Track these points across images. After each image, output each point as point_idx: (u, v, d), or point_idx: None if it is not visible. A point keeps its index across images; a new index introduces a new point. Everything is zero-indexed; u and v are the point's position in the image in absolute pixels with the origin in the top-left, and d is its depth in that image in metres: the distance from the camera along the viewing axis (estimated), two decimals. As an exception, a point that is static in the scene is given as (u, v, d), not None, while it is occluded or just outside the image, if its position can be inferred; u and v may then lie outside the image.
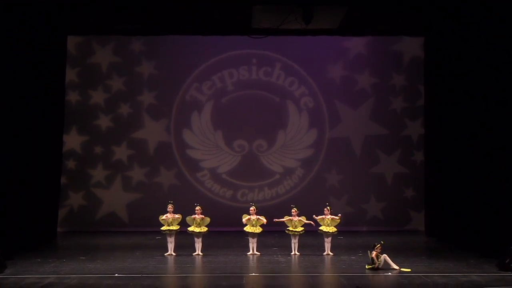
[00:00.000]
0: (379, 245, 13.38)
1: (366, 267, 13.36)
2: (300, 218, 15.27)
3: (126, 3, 16.45)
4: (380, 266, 13.25)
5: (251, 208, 15.43)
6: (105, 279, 12.27)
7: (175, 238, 15.28)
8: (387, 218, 20.36)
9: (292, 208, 15.41)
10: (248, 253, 15.28)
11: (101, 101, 20.39)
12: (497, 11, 14.50)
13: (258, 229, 15.29)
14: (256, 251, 15.31)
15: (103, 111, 20.38)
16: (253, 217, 15.33)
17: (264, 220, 15.30)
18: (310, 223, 15.32)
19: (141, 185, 20.35)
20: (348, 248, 16.18)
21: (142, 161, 20.39)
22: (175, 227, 15.24)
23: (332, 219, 15.25)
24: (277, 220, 15.38)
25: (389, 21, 18.08)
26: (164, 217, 15.27)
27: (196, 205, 15.37)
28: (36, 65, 16.36)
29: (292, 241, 15.36)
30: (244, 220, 15.33)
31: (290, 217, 15.27)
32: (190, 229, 15.29)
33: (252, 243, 15.34)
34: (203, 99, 20.58)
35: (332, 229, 15.24)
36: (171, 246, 15.25)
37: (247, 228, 15.33)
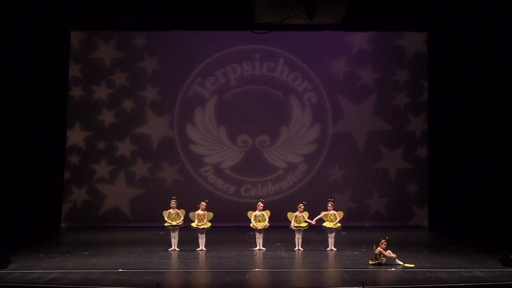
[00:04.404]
0: (384, 241, 13.38)
1: (370, 262, 13.36)
2: (303, 214, 15.31)
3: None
4: (383, 262, 13.26)
5: (260, 204, 15.45)
6: (109, 274, 12.26)
7: (178, 234, 15.28)
8: (390, 213, 20.35)
9: (303, 204, 15.38)
10: (255, 248, 15.28)
11: (104, 96, 20.40)
12: (501, 6, 14.46)
13: (264, 225, 15.32)
14: (262, 246, 15.34)
15: (106, 107, 20.38)
16: (259, 213, 15.36)
17: (267, 218, 15.33)
18: (311, 222, 15.31)
19: (145, 180, 20.36)
20: (351, 243, 16.16)
21: (146, 157, 20.40)
22: (177, 222, 15.22)
23: (335, 214, 15.26)
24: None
25: (392, 16, 18.07)
26: (166, 215, 15.28)
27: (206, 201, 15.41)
28: (40, 60, 16.35)
29: (296, 237, 15.37)
30: (251, 218, 15.36)
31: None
32: (193, 224, 15.29)
33: (259, 238, 15.36)
34: (206, 95, 20.57)
35: (335, 224, 15.24)
36: (174, 241, 15.24)
37: (254, 224, 15.37)
